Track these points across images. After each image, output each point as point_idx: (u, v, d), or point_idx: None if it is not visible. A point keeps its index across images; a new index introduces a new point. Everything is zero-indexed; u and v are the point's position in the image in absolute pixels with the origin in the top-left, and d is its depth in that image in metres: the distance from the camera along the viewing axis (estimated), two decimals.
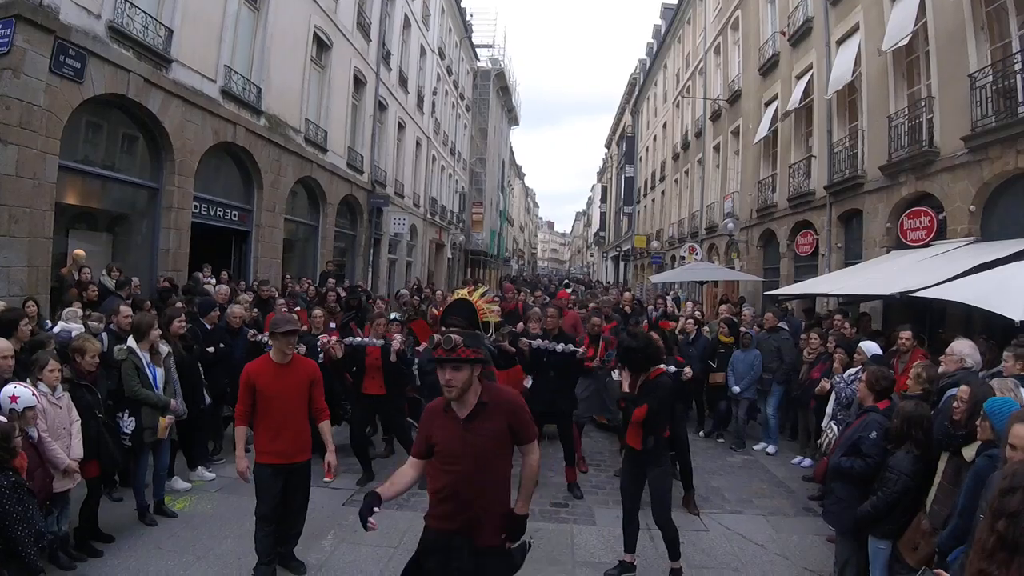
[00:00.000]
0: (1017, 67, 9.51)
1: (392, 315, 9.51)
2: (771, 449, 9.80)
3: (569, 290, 21.57)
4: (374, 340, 7.72)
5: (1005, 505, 2.27)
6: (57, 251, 9.54)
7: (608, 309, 11.84)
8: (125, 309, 7.20)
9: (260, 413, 4.99)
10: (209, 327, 8.23)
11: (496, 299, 11.03)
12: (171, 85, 11.52)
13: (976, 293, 7.51)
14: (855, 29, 14.75)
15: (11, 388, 4.54)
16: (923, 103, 12.08)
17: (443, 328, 3.60)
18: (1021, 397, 4.41)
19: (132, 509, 6.33)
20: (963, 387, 4.63)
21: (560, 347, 7.53)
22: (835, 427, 6.58)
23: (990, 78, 10.05)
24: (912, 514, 4.61)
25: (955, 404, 4.58)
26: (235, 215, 14.77)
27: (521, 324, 8.64)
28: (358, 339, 7.82)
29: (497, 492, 3.55)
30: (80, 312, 7.46)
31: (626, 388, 5.56)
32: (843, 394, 7.21)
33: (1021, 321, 6.35)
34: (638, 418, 5.34)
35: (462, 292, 6.28)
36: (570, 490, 7.69)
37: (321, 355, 7.73)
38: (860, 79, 14.52)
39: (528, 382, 8.64)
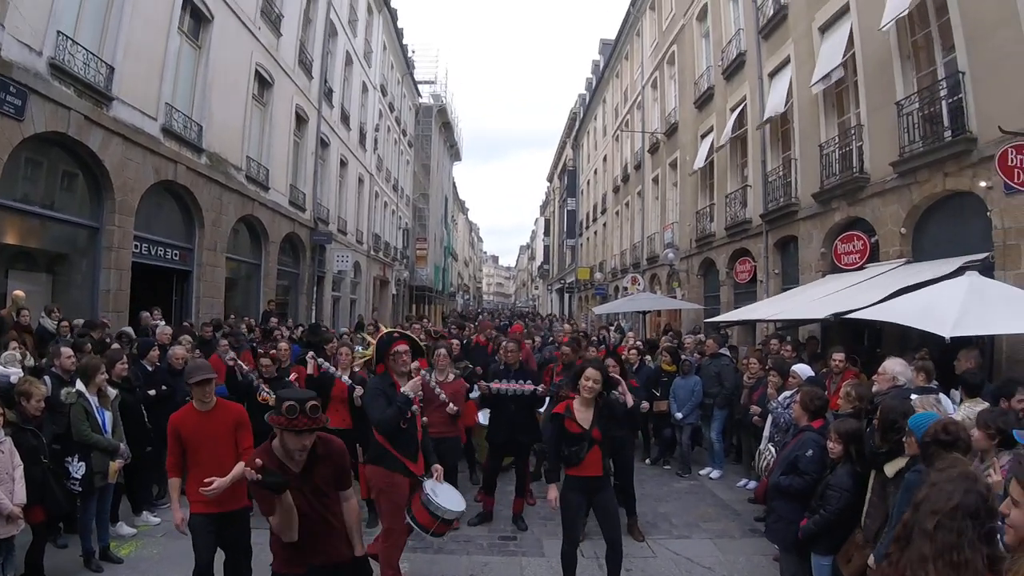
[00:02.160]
0: (943, 93, 9.96)
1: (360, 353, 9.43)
2: (715, 474, 9.94)
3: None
4: (345, 377, 7.61)
5: (913, 497, 2.37)
6: None
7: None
8: (67, 351, 7.02)
9: (190, 462, 4.88)
10: (150, 368, 8.11)
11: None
12: (112, 123, 11.37)
13: (908, 313, 7.80)
14: (786, 62, 15.30)
15: None
16: (853, 131, 12.58)
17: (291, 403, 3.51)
18: (943, 410, 4.62)
19: (77, 555, 6.18)
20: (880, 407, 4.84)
21: (516, 389, 7.51)
22: (772, 449, 6.74)
23: (917, 105, 10.51)
24: (850, 529, 4.77)
25: (874, 421, 4.79)
26: (176, 254, 14.54)
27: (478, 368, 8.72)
28: (331, 367, 7.72)
29: (338, 532, 3.84)
30: (18, 356, 7.29)
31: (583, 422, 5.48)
32: (781, 419, 7.32)
33: (952, 338, 6.62)
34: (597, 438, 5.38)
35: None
36: (515, 521, 7.67)
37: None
38: (792, 110, 15.02)
39: (482, 416, 8.72)
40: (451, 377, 7.78)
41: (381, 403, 5.34)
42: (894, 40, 11.03)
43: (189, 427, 4.84)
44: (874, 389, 6.20)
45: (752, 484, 9.04)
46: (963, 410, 5.49)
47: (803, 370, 7.96)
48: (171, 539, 6.67)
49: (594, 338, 14.91)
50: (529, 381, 7.67)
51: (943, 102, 9.94)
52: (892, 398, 5.16)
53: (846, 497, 4.72)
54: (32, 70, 9.48)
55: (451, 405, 7.24)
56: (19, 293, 9.31)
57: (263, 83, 18.67)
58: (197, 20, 14.91)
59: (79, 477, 5.92)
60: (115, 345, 8.59)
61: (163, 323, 11.25)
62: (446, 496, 5.13)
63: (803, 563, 5.11)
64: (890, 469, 4.42)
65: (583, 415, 5.46)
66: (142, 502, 7.54)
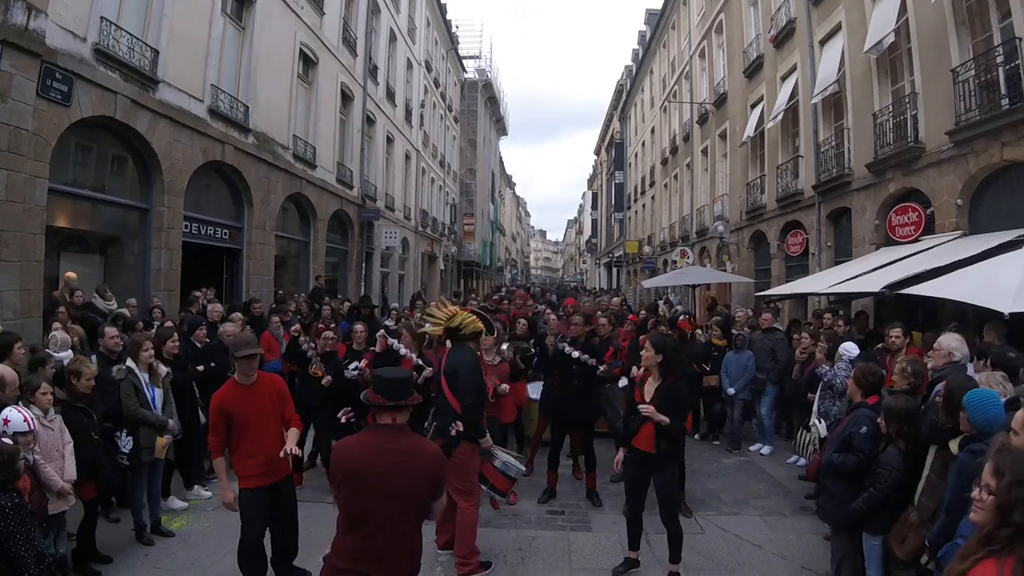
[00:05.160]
0: (999, 60, 9.59)
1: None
2: (766, 450, 9.83)
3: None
4: (414, 356, 7.56)
5: (1019, 496, 2.25)
6: (49, 274, 9.48)
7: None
8: (111, 331, 7.14)
9: (237, 437, 4.99)
10: (199, 345, 8.28)
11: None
12: (158, 106, 11.49)
13: (964, 288, 7.55)
14: (837, 29, 14.89)
15: (5, 412, 4.53)
16: (907, 99, 12.19)
17: None
18: (1008, 390, 4.44)
19: (129, 529, 6.35)
20: (943, 383, 4.68)
21: (579, 355, 7.51)
22: (820, 423, 6.57)
23: (973, 72, 10.14)
24: (902, 508, 4.64)
25: (937, 399, 4.64)
26: (226, 233, 14.74)
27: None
28: (399, 345, 7.69)
29: None
30: (68, 337, 7.41)
31: (647, 395, 5.56)
32: (838, 379, 7.24)
33: (1011, 313, 6.39)
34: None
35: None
36: (588, 497, 7.66)
37: (355, 373, 7.63)
38: (844, 78, 14.62)
39: (531, 390, 8.69)
40: (497, 360, 7.75)
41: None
42: (948, 5, 10.62)
43: (235, 402, 4.94)
44: (929, 366, 6.03)
45: (803, 461, 8.91)
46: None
47: (849, 348, 7.78)
48: (222, 512, 6.74)
49: (642, 313, 14.65)
50: (592, 359, 7.61)
51: (999, 69, 9.57)
52: (955, 375, 5.00)
53: (895, 476, 4.61)
54: (77, 56, 9.57)
55: (503, 386, 7.26)
56: (71, 275, 9.54)
57: (307, 62, 18.73)
58: (240, 1, 14.99)
59: (127, 452, 6.09)
60: (168, 323, 8.74)
61: (217, 304, 11.34)
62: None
63: (855, 543, 5.02)
64: (955, 446, 4.26)
65: (649, 388, 5.59)
66: (193, 476, 7.71)
